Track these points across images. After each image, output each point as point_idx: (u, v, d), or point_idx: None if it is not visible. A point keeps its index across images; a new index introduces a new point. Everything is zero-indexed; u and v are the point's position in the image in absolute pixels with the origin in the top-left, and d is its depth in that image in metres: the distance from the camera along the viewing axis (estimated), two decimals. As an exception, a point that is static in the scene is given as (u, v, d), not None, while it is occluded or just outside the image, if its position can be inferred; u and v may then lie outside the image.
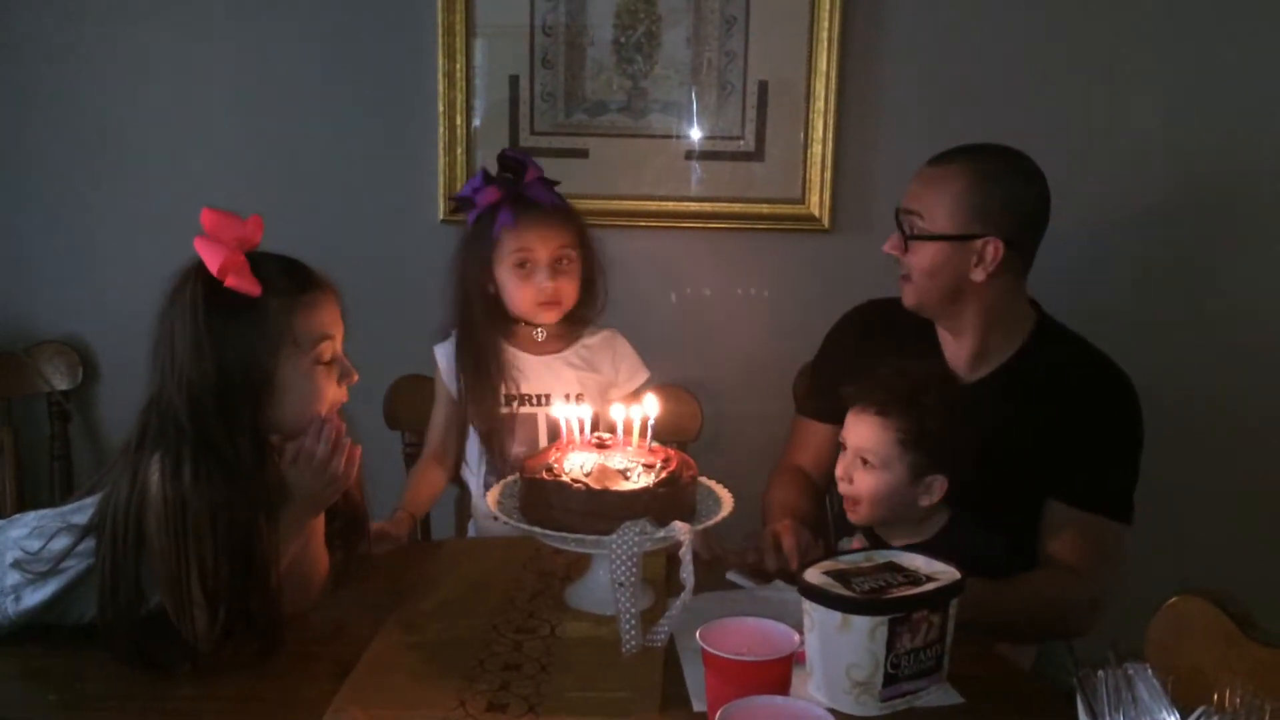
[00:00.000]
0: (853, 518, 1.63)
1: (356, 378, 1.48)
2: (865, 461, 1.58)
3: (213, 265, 1.34)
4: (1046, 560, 1.67)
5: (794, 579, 1.31)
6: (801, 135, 2.37)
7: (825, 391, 1.85)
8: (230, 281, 1.34)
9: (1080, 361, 1.75)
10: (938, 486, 1.57)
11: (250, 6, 2.39)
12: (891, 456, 1.56)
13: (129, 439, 1.37)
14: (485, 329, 1.91)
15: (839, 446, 1.64)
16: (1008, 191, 1.71)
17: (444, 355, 1.94)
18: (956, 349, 1.78)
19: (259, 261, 1.38)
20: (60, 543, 1.38)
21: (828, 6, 2.29)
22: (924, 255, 1.70)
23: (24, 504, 2.24)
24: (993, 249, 1.68)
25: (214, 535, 1.31)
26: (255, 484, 1.36)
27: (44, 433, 2.39)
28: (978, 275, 1.70)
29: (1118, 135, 2.35)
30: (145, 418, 1.37)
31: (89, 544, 1.36)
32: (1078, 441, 1.67)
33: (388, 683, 1.29)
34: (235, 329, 1.35)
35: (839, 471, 1.63)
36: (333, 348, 1.44)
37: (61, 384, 2.39)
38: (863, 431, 1.58)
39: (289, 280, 1.40)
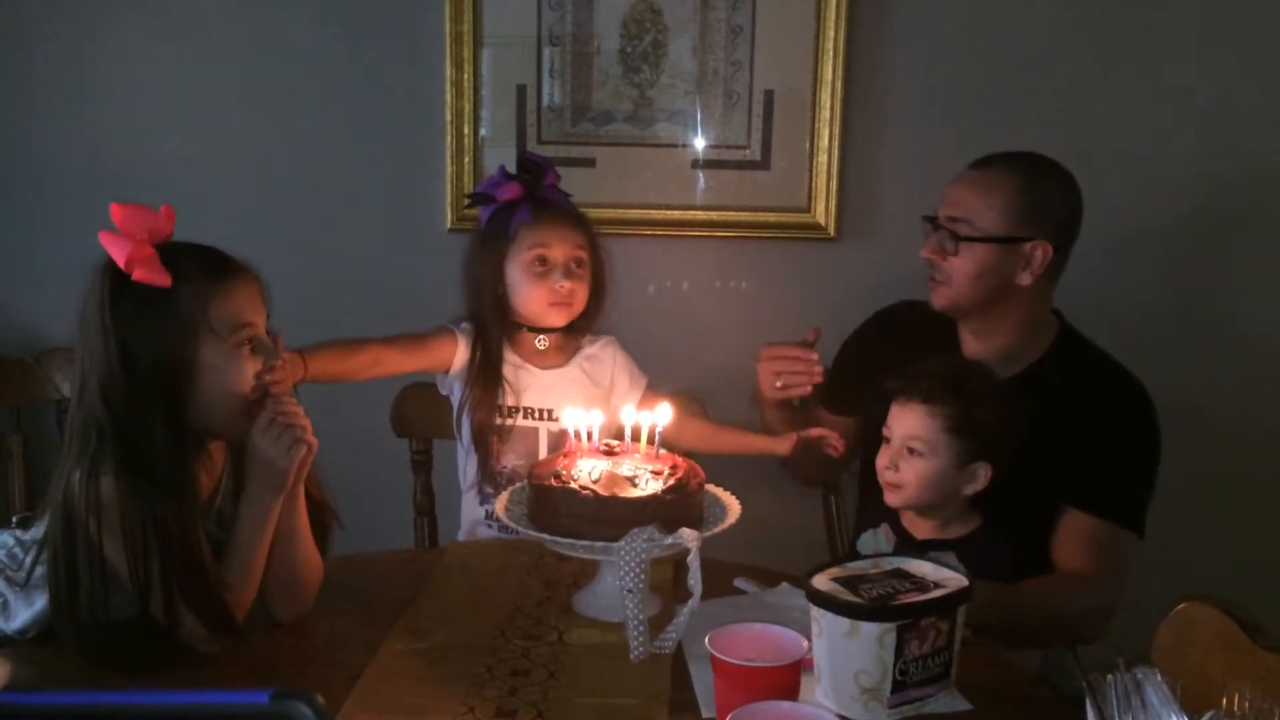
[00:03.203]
0: (892, 500, 1.65)
1: (282, 359, 1.46)
2: (912, 450, 1.61)
3: (119, 258, 1.33)
4: (1059, 565, 1.68)
5: (802, 584, 1.31)
6: (807, 144, 2.37)
7: (842, 384, 1.86)
8: (138, 274, 1.32)
9: (1102, 373, 1.76)
10: (982, 474, 1.61)
11: (258, 15, 2.40)
12: (939, 443, 1.59)
13: (64, 446, 1.38)
14: (495, 333, 1.90)
15: (867, 439, 1.68)
16: (1055, 195, 1.73)
17: (465, 342, 1.90)
18: (980, 352, 1.79)
19: (172, 251, 1.36)
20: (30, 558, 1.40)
21: (833, 16, 2.30)
22: (970, 259, 1.71)
23: (33, 510, 2.25)
24: (1041, 252, 1.70)
25: (138, 535, 1.31)
26: (175, 476, 1.35)
27: (53, 439, 2.39)
28: (1024, 279, 1.71)
29: (1125, 145, 2.36)
30: (70, 422, 1.37)
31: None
32: (1095, 449, 1.68)
33: (396, 689, 1.30)
34: (144, 321, 1.34)
35: (883, 461, 1.65)
36: (252, 333, 1.42)
37: (71, 391, 2.39)
38: (909, 420, 1.62)
39: (203, 268, 1.38)
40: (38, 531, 1.41)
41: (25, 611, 1.40)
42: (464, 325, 1.92)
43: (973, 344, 1.81)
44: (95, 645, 1.33)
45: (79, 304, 1.37)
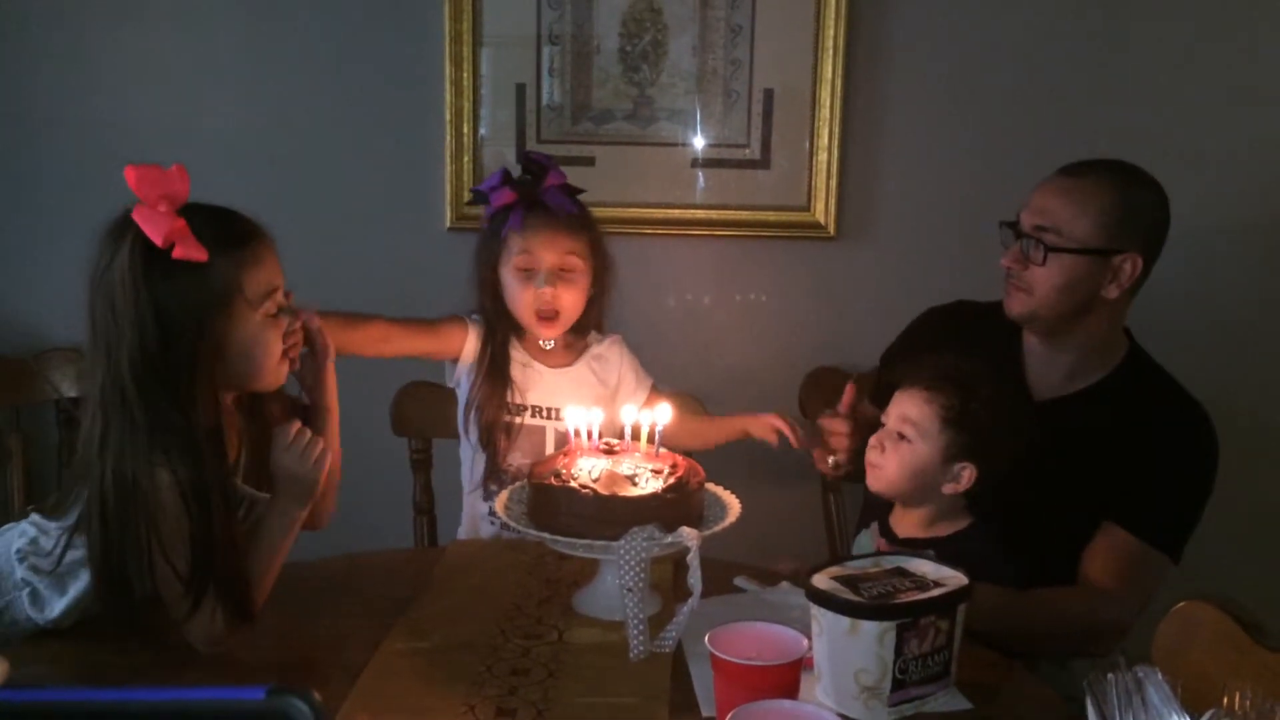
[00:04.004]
0: (871, 482, 1.63)
1: (303, 318, 1.47)
2: (902, 435, 1.59)
3: (157, 237, 1.30)
4: (1084, 577, 1.66)
5: (802, 583, 1.31)
6: (807, 143, 2.37)
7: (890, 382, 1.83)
8: (178, 253, 1.30)
9: (1168, 398, 1.72)
10: (966, 475, 1.58)
11: (258, 14, 2.40)
12: (930, 430, 1.57)
13: (89, 430, 1.34)
14: (500, 331, 1.89)
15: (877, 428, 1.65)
16: (1148, 206, 1.68)
17: (477, 334, 1.90)
18: (1047, 363, 1.75)
19: (192, 218, 1.33)
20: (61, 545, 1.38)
21: (833, 14, 2.30)
22: (1058, 269, 1.65)
23: (54, 496, 2.25)
24: (1131, 265, 1.65)
25: (178, 514, 1.31)
26: (215, 451, 1.35)
27: (52, 439, 2.39)
28: (1110, 292, 1.66)
29: (1126, 143, 2.34)
30: (99, 403, 1.33)
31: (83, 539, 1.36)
32: (1151, 471, 1.64)
33: (396, 689, 1.30)
34: (181, 294, 1.32)
35: (871, 440, 1.63)
36: (280, 298, 1.42)
37: (70, 391, 2.39)
38: (906, 404, 1.60)
39: (230, 236, 1.36)
40: (68, 519, 1.38)
41: (59, 600, 1.39)
42: (475, 316, 1.92)
43: (1040, 356, 1.76)
44: (144, 622, 1.33)
45: (94, 274, 1.33)
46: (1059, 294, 1.67)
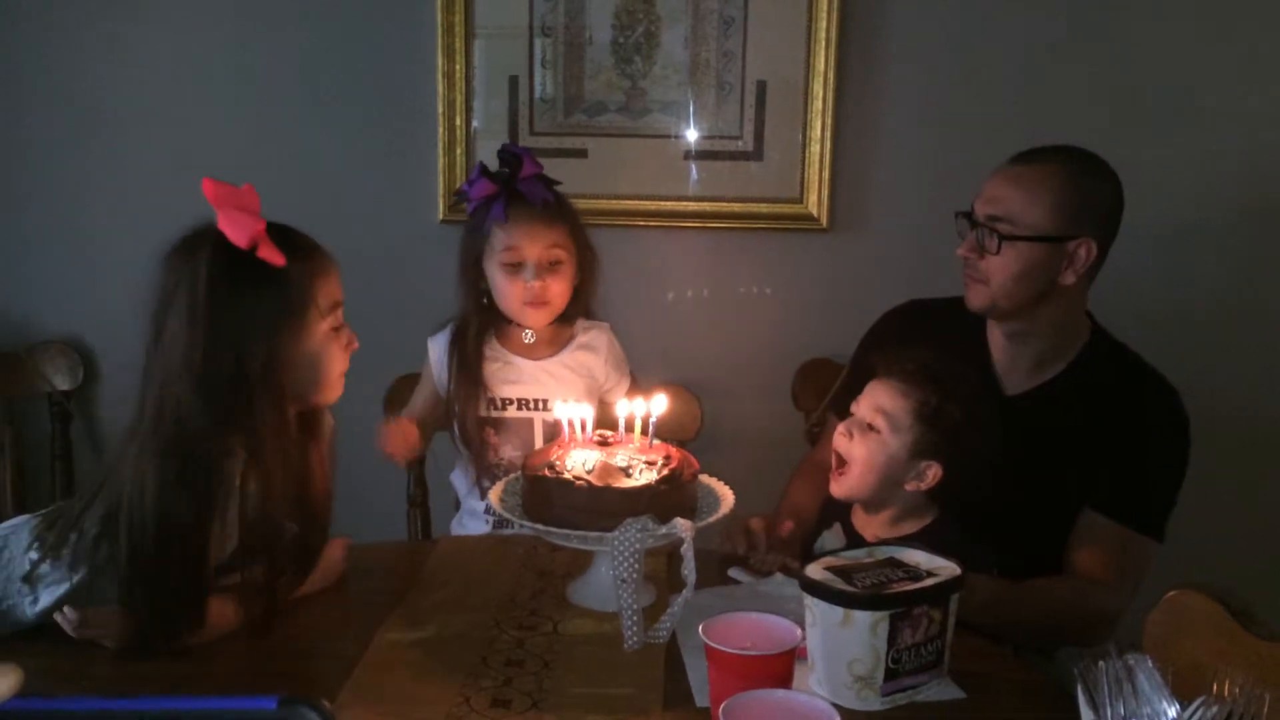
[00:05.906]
0: (835, 489, 1.61)
1: (357, 345, 1.48)
2: (871, 426, 1.56)
3: (240, 238, 1.31)
4: (1072, 569, 1.65)
5: (795, 574, 1.32)
6: (800, 135, 2.38)
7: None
8: (262, 252, 1.31)
9: (1136, 378, 1.71)
10: (931, 474, 1.55)
11: (250, 5, 2.39)
12: (901, 424, 1.54)
13: (132, 433, 1.33)
14: (477, 327, 1.90)
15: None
16: (1100, 190, 1.67)
17: (436, 347, 1.93)
18: (1013, 356, 1.74)
19: (271, 231, 1.35)
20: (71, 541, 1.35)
21: (825, 6, 2.30)
22: (1013, 257, 1.64)
23: (24, 504, 2.24)
24: (1085, 250, 1.64)
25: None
26: (291, 460, 1.37)
27: (44, 433, 2.39)
28: (1068, 278, 1.65)
29: (1120, 134, 2.35)
30: (156, 410, 1.32)
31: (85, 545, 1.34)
32: (1126, 455, 1.64)
33: (391, 679, 1.30)
34: (263, 299, 1.33)
35: (840, 428, 1.60)
36: (340, 314, 1.43)
37: (62, 384, 2.39)
38: (880, 394, 1.57)
39: (303, 246, 1.38)
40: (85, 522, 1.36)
41: (56, 589, 1.36)
42: (441, 332, 1.93)
43: (1005, 349, 1.74)
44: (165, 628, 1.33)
45: (164, 290, 1.32)
46: (1016, 282, 1.65)
